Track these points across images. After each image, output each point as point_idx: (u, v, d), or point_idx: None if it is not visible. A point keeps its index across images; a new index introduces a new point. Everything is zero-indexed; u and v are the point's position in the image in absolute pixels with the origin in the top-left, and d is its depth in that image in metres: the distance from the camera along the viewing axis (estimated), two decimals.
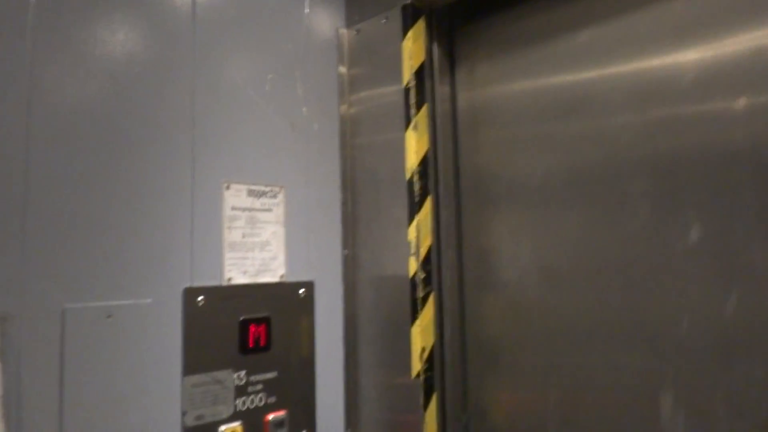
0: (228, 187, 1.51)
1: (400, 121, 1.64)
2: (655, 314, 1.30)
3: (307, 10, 1.75)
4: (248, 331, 1.47)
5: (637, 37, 1.37)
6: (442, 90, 1.72)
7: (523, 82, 1.62)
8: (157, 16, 1.42)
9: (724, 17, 1.25)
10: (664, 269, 1.29)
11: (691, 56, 1.29)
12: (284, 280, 1.59)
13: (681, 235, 1.27)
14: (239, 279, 1.50)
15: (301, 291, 1.61)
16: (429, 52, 1.71)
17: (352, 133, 1.77)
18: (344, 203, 1.75)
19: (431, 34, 1.72)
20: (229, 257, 1.49)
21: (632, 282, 1.34)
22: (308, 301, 1.62)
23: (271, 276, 1.57)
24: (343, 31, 1.82)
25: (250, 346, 1.47)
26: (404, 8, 1.67)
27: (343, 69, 1.81)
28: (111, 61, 1.32)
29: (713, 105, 1.25)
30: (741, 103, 1.21)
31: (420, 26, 1.68)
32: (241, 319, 1.47)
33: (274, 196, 1.60)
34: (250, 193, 1.55)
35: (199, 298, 1.41)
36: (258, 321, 1.50)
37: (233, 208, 1.51)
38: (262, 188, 1.58)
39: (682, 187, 1.28)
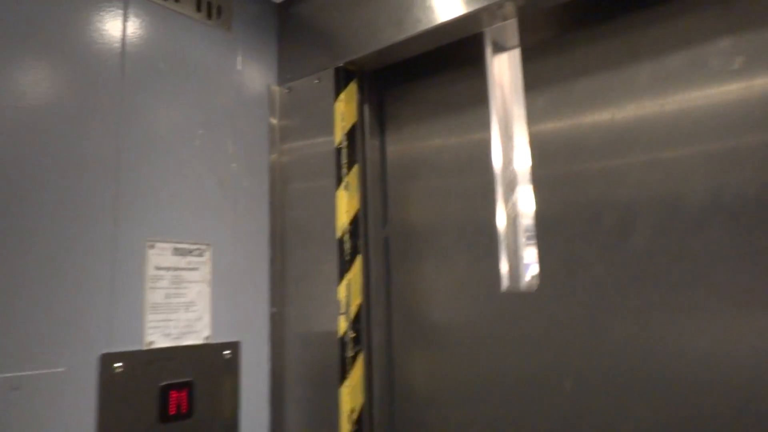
0: (152, 246, 1.45)
1: (331, 180, 1.66)
2: (573, 368, 1.36)
3: (239, 67, 1.75)
4: (169, 397, 1.40)
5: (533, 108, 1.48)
6: (372, 149, 1.76)
7: (444, 140, 1.69)
8: (85, 65, 1.37)
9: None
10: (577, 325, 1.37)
11: (585, 120, 1.40)
12: (209, 341, 1.54)
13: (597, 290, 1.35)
14: (161, 342, 1.43)
15: (226, 352, 1.56)
16: (360, 113, 1.75)
17: (282, 190, 1.77)
18: (273, 260, 1.74)
19: (363, 96, 1.77)
20: (150, 320, 1.42)
21: (554, 337, 1.41)
22: (233, 362, 1.58)
23: (196, 338, 1.51)
24: (275, 88, 1.84)
25: (171, 413, 1.40)
26: (337, 70, 1.71)
27: (274, 125, 1.82)
28: (30, 112, 1.26)
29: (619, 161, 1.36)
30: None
31: (352, 88, 1.73)
32: (162, 385, 1.40)
33: (201, 255, 1.56)
34: (176, 251, 1.51)
35: (117, 365, 1.33)
36: (180, 386, 1.43)
37: (157, 268, 1.46)
38: (189, 246, 1.53)
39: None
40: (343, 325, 1.57)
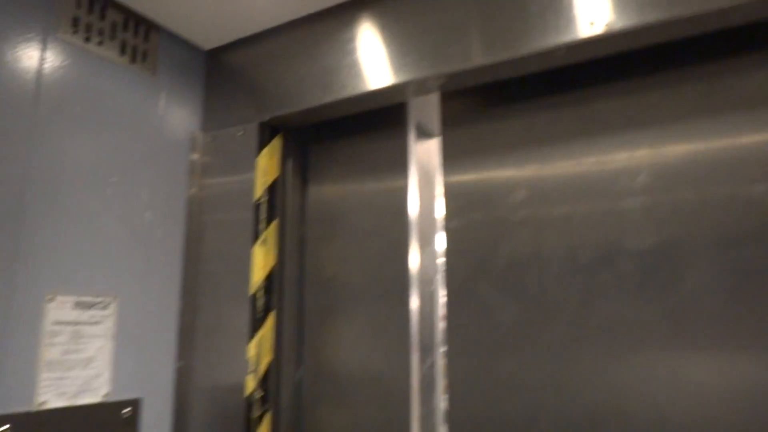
0: (52, 300, 1.39)
1: (249, 234, 1.65)
2: (488, 412, 1.42)
3: (161, 113, 1.72)
4: None
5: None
6: (293, 205, 1.78)
7: (364, 197, 1.73)
8: None
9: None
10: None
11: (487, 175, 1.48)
12: (107, 399, 1.48)
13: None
14: (55, 402, 1.36)
15: (125, 411, 1.50)
16: (283, 169, 1.77)
17: (198, 242, 1.74)
18: (183, 313, 1.70)
19: (286, 151, 1.78)
20: (44, 378, 1.35)
21: (467, 382, 1.45)
22: (132, 421, 1.52)
23: (93, 396, 1.45)
24: (199, 135, 1.82)
25: None
26: (262, 125, 1.72)
27: (195, 173, 1.79)
28: None
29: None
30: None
31: (276, 143, 1.74)
32: None
33: (105, 308, 1.50)
34: (78, 305, 1.44)
35: (3, 428, 1.25)
36: None
37: (55, 323, 1.39)
38: (92, 299, 1.48)
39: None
40: (251, 383, 1.56)
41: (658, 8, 1.20)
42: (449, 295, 1.52)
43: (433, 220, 1.73)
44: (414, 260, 1.64)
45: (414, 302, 1.61)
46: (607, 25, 1.25)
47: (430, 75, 1.47)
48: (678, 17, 1.18)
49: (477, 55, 1.41)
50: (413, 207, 1.66)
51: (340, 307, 1.70)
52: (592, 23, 1.28)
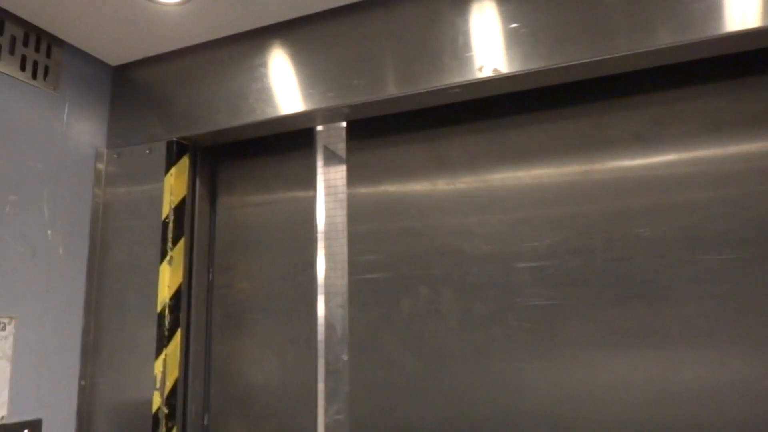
0: None
1: (155, 253, 1.68)
2: (393, 416, 1.53)
3: (63, 128, 1.70)
4: None
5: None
6: (201, 223, 1.81)
7: (272, 214, 1.80)
8: None
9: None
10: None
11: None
12: (5, 422, 1.45)
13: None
14: None
15: None
16: (192, 187, 1.80)
17: (102, 260, 1.74)
18: (86, 331, 1.69)
19: (195, 170, 1.82)
20: None
21: (371, 389, 1.56)
22: None
23: None
24: (103, 151, 1.81)
25: None
26: (170, 144, 1.74)
27: (99, 191, 1.78)
28: None
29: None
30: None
31: (184, 162, 1.77)
32: None
33: (2, 329, 1.48)
34: None
35: None
36: None
37: None
38: None
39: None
40: (157, 400, 1.58)
41: (538, 59, 1.37)
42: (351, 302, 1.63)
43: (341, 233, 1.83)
44: (320, 274, 1.74)
45: (321, 313, 1.71)
46: (494, 70, 1.41)
47: (336, 105, 1.56)
48: (554, 66, 1.35)
49: (381, 89, 1.52)
50: (320, 223, 1.75)
51: (248, 320, 1.76)
52: (481, 68, 1.43)
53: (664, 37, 1.28)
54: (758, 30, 1.21)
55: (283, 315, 1.72)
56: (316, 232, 1.75)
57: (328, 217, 1.80)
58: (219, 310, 1.80)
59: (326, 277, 1.77)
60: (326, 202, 1.81)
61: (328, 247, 1.78)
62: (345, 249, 1.67)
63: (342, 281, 1.77)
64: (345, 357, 1.74)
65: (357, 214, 1.67)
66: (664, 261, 1.36)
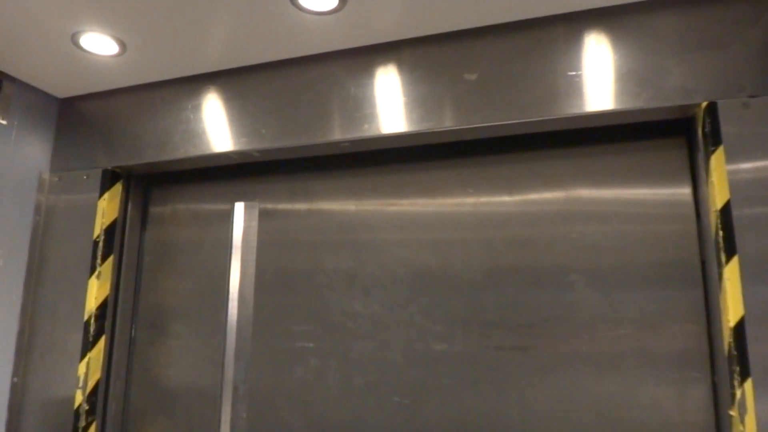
0: None
1: (85, 268, 1.91)
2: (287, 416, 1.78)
3: (9, 154, 1.93)
4: None
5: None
6: (131, 243, 2.05)
7: (196, 236, 2.04)
8: None
9: None
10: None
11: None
12: None
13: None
14: None
15: None
16: (123, 210, 2.04)
17: (39, 271, 1.97)
18: (21, 333, 1.92)
19: (127, 195, 2.06)
20: None
21: (279, 391, 1.81)
22: None
23: None
24: (46, 175, 2.04)
25: None
26: (104, 172, 1.98)
27: (40, 210, 2.01)
28: None
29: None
30: None
31: (117, 188, 2.01)
32: None
33: None
34: None
35: None
36: None
37: None
38: None
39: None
40: (79, 397, 1.82)
41: (412, 123, 1.65)
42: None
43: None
44: (234, 281, 1.98)
45: (231, 318, 1.95)
46: (372, 129, 1.68)
47: (247, 149, 1.82)
48: (419, 131, 1.63)
49: (284, 138, 1.78)
50: (237, 238, 2.00)
51: (169, 329, 2.00)
52: (366, 126, 1.70)
53: (509, 115, 1.57)
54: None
55: (198, 321, 1.96)
56: (232, 248, 1.99)
57: (244, 233, 2.05)
58: (144, 319, 2.04)
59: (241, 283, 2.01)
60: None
61: (242, 259, 2.02)
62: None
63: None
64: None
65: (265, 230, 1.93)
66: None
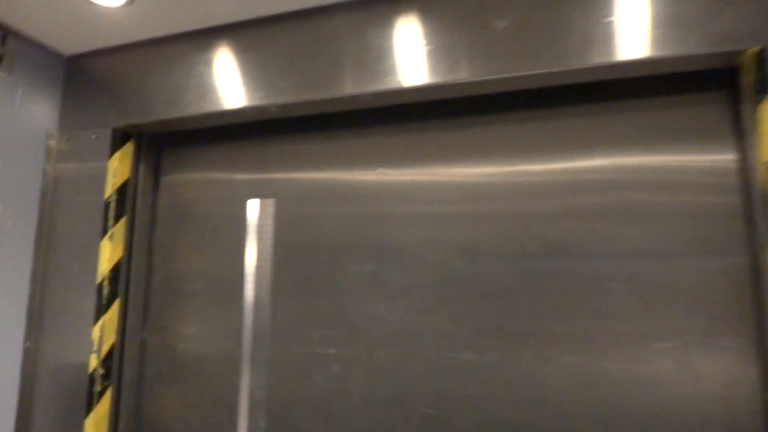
0: None
1: (97, 229, 1.85)
2: (297, 390, 1.74)
3: (15, 111, 1.85)
4: None
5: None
6: (143, 204, 1.98)
7: (212, 200, 1.97)
8: None
9: None
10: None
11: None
12: None
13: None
14: None
15: None
16: (135, 171, 1.97)
17: (50, 233, 1.91)
18: (32, 297, 1.86)
19: (138, 155, 1.98)
20: None
21: (289, 364, 1.77)
22: None
23: None
24: (54, 133, 1.97)
25: None
26: (114, 131, 1.91)
27: (48, 171, 1.94)
28: None
29: None
30: None
31: (128, 148, 1.94)
32: None
33: None
34: None
35: None
36: None
37: None
38: None
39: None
40: (93, 362, 1.77)
41: (435, 74, 1.57)
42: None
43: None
44: (251, 256, 1.91)
45: (249, 293, 1.89)
46: (397, 82, 1.60)
47: (264, 104, 1.74)
48: (448, 82, 1.55)
49: (302, 92, 1.71)
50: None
51: (184, 294, 1.94)
52: (388, 79, 1.62)
53: (541, 64, 1.48)
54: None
55: (216, 291, 1.90)
56: (248, 220, 1.92)
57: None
58: (158, 282, 1.99)
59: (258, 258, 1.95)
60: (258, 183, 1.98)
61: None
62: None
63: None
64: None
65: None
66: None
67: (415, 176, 1.73)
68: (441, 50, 1.58)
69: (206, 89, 1.81)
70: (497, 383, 1.55)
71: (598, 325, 1.49)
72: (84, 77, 2.00)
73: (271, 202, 1.95)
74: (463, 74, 1.55)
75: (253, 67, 1.78)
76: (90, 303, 1.82)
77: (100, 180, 1.88)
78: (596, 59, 1.44)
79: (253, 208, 1.96)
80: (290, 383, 1.75)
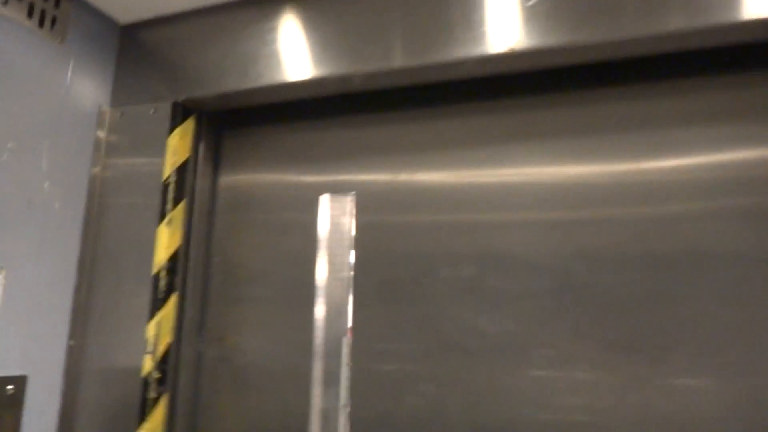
0: None
1: (154, 214, 1.63)
2: (378, 405, 1.49)
3: (68, 82, 1.66)
4: None
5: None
6: (203, 187, 1.77)
7: (278, 187, 1.75)
8: None
9: None
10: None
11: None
12: None
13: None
14: None
15: (8, 387, 1.44)
16: (195, 150, 1.76)
17: (99, 217, 1.69)
18: (78, 288, 1.64)
19: (199, 133, 1.78)
20: None
21: (366, 380, 1.53)
22: (16, 399, 1.45)
23: None
24: (107, 109, 1.77)
25: None
26: (175, 105, 1.70)
27: (100, 148, 1.74)
28: None
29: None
30: None
31: (189, 125, 1.73)
32: None
33: None
34: None
35: None
36: None
37: None
38: None
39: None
40: (148, 364, 1.54)
41: (552, 37, 1.35)
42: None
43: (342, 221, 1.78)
44: (324, 258, 1.67)
45: (321, 300, 1.65)
46: (509, 46, 1.38)
47: (348, 72, 1.53)
48: (575, 44, 1.33)
49: (395, 58, 1.49)
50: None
51: (246, 295, 1.71)
52: (497, 42, 1.40)
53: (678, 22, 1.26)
54: None
55: (285, 296, 1.66)
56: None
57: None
58: (217, 278, 1.76)
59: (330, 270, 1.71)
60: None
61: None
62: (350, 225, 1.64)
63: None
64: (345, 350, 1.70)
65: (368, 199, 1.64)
66: None
67: (520, 174, 1.50)
68: (553, 9, 1.37)
69: (280, 57, 1.61)
70: (624, 409, 1.30)
71: (752, 341, 1.24)
72: (140, 48, 1.81)
73: (349, 198, 1.73)
74: (591, 34, 1.33)
75: (334, 33, 1.57)
76: (143, 297, 1.59)
77: (158, 159, 1.67)
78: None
79: (327, 203, 1.73)
80: (372, 405, 1.50)
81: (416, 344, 1.49)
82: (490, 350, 1.42)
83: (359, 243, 1.61)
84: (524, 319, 1.41)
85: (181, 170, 1.69)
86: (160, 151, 1.68)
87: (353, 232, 1.62)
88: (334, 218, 1.68)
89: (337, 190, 1.71)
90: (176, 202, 1.65)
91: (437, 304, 1.50)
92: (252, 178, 1.80)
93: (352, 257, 1.60)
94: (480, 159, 1.55)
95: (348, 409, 1.51)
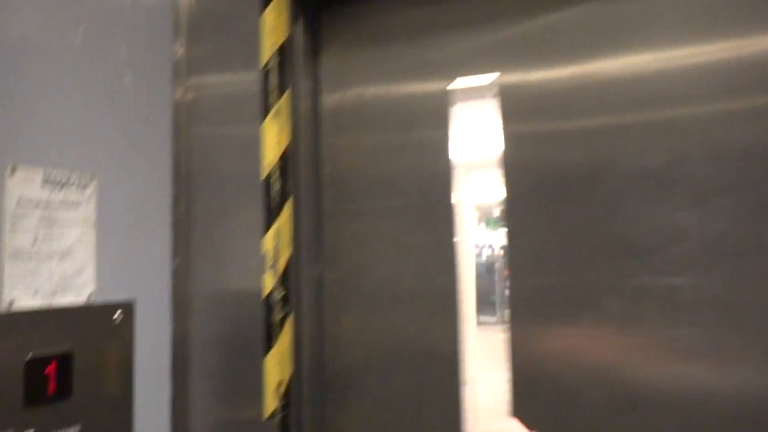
0: (14, 171, 1.06)
1: (254, 108, 1.35)
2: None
3: None
4: (40, 374, 1.05)
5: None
6: (305, 81, 1.47)
7: (393, 82, 1.46)
8: None
9: None
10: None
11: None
12: (93, 300, 1.18)
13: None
14: (27, 301, 1.06)
15: (116, 315, 1.22)
16: (291, 30, 1.45)
17: (190, 113, 1.42)
18: (176, 200, 1.39)
19: (296, 12, 1.46)
20: (11, 271, 1.04)
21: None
22: (126, 327, 1.23)
23: (75, 295, 1.15)
24: None
25: (43, 393, 1.05)
26: None
27: (180, 40, 1.44)
28: None
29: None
30: None
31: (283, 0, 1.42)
32: (30, 358, 1.04)
33: (83, 188, 1.18)
34: (48, 181, 1.12)
35: None
36: (54, 359, 1.08)
37: (22, 202, 1.07)
38: (66, 174, 1.15)
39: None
40: (269, 282, 1.30)
41: None
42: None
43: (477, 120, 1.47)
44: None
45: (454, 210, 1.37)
46: None
47: None
48: None
49: None
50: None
51: (365, 208, 1.44)
52: None
53: None
54: None
55: (411, 207, 1.39)
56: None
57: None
58: (328, 185, 1.49)
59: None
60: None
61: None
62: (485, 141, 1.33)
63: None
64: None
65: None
66: None
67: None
68: None
69: None
70: None
71: None
72: None
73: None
74: None
75: None
76: (253, 206, 1.34)
77: (253, 41, 1.37)
78: None
79: (469, 110, 1.41)
80: (538, 323, 1.24)
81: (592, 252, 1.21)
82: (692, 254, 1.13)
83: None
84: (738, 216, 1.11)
85: (281, 52, 1.39)
86: (255, 30, 1.37)
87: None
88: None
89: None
90: (282, 90, 1.37)
91: (616, 204, 1.20)
92: (365, 66, 1.49)
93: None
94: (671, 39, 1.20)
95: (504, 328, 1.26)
